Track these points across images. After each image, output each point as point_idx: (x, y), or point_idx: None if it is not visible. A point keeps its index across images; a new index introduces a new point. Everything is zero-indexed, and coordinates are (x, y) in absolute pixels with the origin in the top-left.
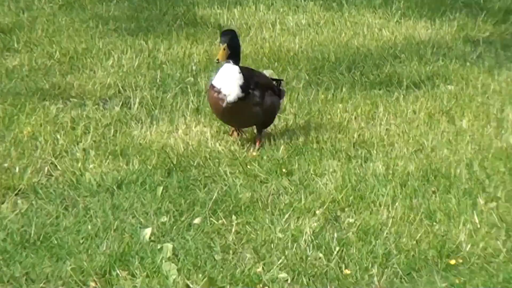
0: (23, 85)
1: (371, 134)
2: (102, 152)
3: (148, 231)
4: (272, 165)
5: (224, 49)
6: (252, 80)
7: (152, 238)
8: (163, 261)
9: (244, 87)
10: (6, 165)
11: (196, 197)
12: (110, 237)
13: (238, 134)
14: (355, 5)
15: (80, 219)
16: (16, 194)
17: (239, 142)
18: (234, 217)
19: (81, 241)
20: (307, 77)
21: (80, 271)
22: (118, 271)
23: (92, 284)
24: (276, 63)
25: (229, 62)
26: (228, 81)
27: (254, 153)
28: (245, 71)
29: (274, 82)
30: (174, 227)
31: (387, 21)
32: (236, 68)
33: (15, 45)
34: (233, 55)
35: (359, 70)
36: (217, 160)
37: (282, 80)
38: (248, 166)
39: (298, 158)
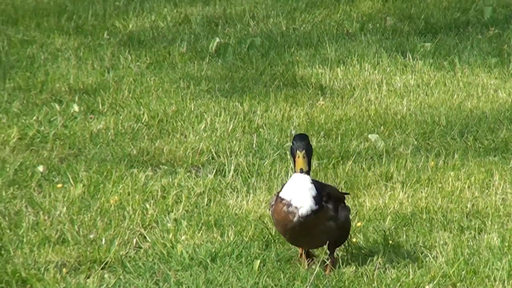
0: (109, 151)
1: (485, 204)
2: (194, 223)
3: None
4: (377, 236)
5: (304, 157)
6: (324, 191)
7: None
8: None
9: (317, 199)
10: (91, 236)
11: (297, 271)
12: None
13: (307, 258)
14: (469, 64)
15: None
16: (102, 268)
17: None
18: None
19: None
20: (415, 142)
21: None
22: None
23: None
24: (382, 127)
25: (302, 172)
26: (300, 192)
27: (326, 274)
28: (315, 182)
29: None
30: None
31: (503, 82)
32: (307, 178)
33: (100, 107)
34: (310, 160)
35: (472, 135)
36: None
37: (348, 193)
38: (353, 239)
39: (406, 229)
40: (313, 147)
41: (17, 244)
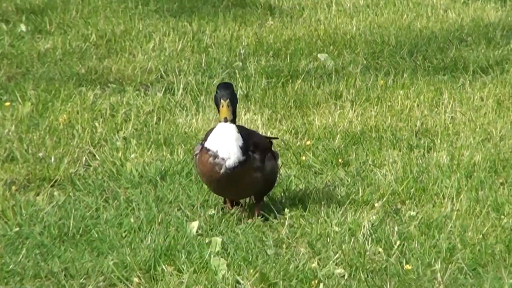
0: (57, 70)
1: (434, 123)
2: (144, 141)
3: (195, 225)
4: (327, 155)
5: (228, 106)
6: (250, 140)
7: (200, 231)
8: (212, 256)
9: (244, 149)
10: (41, 154)
11: None
12: (155, 230)
13: (233, 206)
14: None
15: (121, 211)
16: (52, 186)
17: (292, 132)
18: (287, 210)
19: (123, 235)
20: (365, 62)
21: (123, 266)
22: (163, 266)
23: (136, 279)
24: (331, 47)
25: (226, 120)
26: (226, 143)
27: (254, 220)
28: (241, 130)
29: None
30: (223, 220)
31: (453, 2)
32: (233, 127)
33: (47, 27)
34: (235, 110)
35: (421, 54)
36: None
37: (277, 138)
38: (302, 157)
39: (356, 148)
40: (259, 69)
41: None
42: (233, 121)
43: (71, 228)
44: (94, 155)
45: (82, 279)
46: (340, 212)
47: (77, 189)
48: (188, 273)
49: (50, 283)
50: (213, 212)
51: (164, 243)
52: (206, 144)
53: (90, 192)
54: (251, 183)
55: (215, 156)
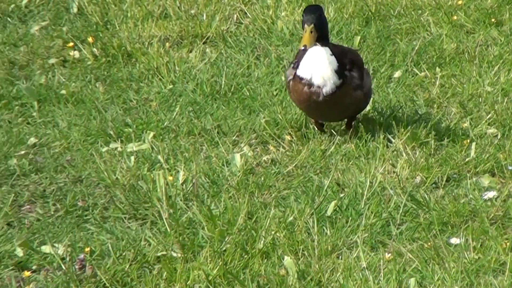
0: None
1: None
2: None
3: None
4: (479, 14)
5: (311, 32)
6: (346, 58)
7: None
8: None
9: (340, 71)
10: (192, 12)
11: (397, 47)
12: None
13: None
14: None
15: (272, 69)
16: (204, 43)
17: None
18: (438, 69)
19: (274, 93)
20: None
21: (275, 124)
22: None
23: (287, 137)
24: None
25: (316, 44)
26: (320, 69)
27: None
28: (335, 50)
29: None
30: (374, 80)
31: None
32: (326, 50)
33: None
34: (322, 36)
35: None
36: (419, 8)
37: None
38: (454, 16)
39: (509, 8)
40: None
41: (121, 19)
42: (325, 43)
43: (223, 86)
44: (245, 13)
45: (234, 136)
46: (493, 72)
47: (229, 46)
48: (339, 131)
49: (203, 140)
50: None
51: None
52: (299, 72)
53: (242, 49)
54: (353, 103)
55: (310, 84)
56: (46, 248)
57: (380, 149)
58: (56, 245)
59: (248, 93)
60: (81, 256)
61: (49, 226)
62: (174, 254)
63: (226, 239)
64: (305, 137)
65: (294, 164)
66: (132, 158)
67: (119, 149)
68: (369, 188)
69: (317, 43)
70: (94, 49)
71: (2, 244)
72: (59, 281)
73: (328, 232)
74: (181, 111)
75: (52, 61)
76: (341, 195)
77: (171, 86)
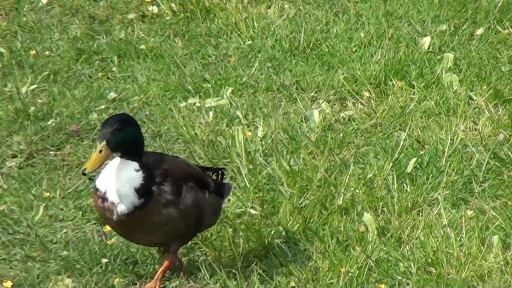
0: None
1: None
2: None
3: (426, 40)
4: None
5: (100, 151)
6: (158, 170)
7: (431, 48)
8: (443, 71)
9: (143, 189)
10: None
11: (479, 4)
12: (385, 45)
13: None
14: None
15: (351, 26)
16: None
17: None
18: None
19: (353, 49)
20: None
21: (353, 80)
22: (393, 81)
23: (366, 94)
24: None
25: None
26: (115, 184)
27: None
28: (151, 159)
29: (212, 174)
30: (455, 37)
31: None
32: (129, 165)
33: None
34: (129, 151)
35: None
36: None
37: (224, 169)
38: None
39: None
40: None
41: None
42: (134, 157)
43: (301, 42)
44: None
45: (313, 92)
46: None
47: (307, 2)
48: (419, 88)
49: (282, 96)
50: (444, 27)
51: (394, 58)
52: (97, 182)
53: (320, 5)
54: (164, 222)
55: (104, 199)
56: None
57: (461, 106)
58: None
59: (326, 49)
60: None
61: None
62: (253, 212)
63: (305, 195)
64: (384, 93)
65: (373, 121)
66: (211, 113)
67: (198, 104)
68: (450, 145)
69: (123, 156)
70: (173, 4)
71: (85, 198)
72: None
73: (408, 189)
74: (260, 67)
75: (131, 16)
76: (421, 152)
77: (250, 42)
